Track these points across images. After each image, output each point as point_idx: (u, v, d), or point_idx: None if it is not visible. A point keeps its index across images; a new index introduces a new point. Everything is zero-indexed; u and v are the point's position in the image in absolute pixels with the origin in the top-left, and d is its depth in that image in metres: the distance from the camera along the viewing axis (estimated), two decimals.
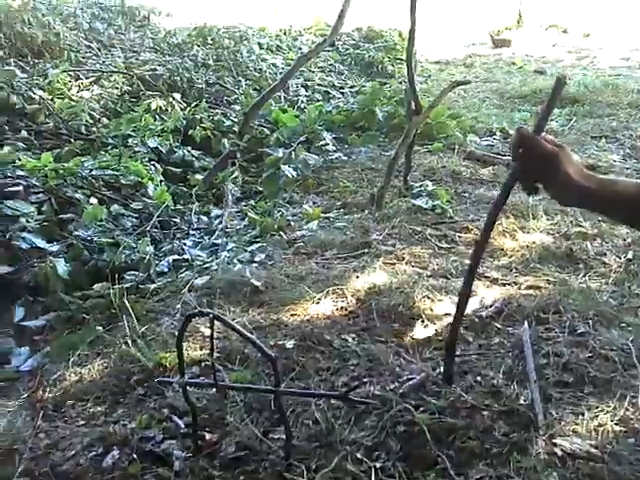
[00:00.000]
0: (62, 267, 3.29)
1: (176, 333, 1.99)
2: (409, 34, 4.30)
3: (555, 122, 6.48)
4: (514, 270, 3.25)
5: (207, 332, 2.57)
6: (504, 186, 1.25)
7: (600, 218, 3.89)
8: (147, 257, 3.43)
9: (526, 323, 2.66)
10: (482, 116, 6.75)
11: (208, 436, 2.05)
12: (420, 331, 2.64)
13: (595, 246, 3.58)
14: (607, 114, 6.83)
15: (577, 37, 12.87)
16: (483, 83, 8.84)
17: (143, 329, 2.71)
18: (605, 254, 3.44)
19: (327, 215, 4.13)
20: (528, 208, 3.99)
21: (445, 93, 5.03)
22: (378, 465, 1.91)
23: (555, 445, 1.96)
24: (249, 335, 1.77)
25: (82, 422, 2.19)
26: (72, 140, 5.03)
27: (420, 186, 4.39)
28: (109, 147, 4.97)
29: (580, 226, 3.80)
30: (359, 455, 1.95)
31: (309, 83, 7.77)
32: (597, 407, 2.15)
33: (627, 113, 6.92)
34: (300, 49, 9.25)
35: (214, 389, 2.16)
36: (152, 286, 3.23)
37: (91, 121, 5.42)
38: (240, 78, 7.11)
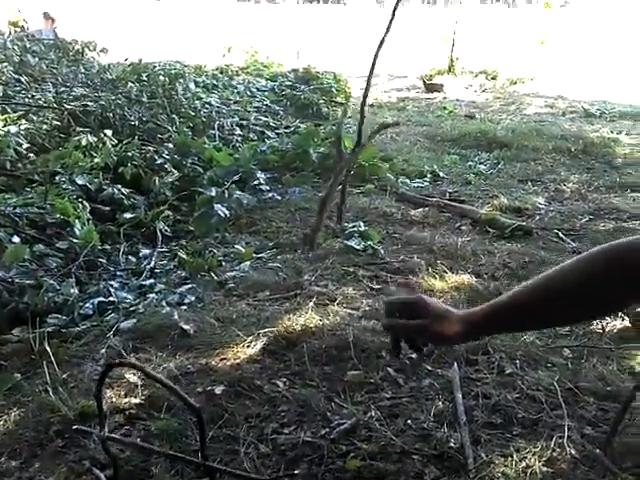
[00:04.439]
0: None
1: None
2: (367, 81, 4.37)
3: (483, 165, 6.68)
4: None
5: (132, 379, 2.49)
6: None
7: (527, 259, 4.00)
8: (71, 299, 3.31)
9: (455, 364, 2.68)
10: (413, 158, 6.88)
11: None
12: (351, 374, 2.62)
13: None
14: (533, 158, 7.08)
15: (505, 83, 13.41)
16: (415, 126, 9.04)
17: (65, 376, 2.60)
18: None
19: (260, 255, 4.08)
20: (457, 249, 4.07)
21: (374, 134, 5.12)
22: None
23: None
24: (172, 385, 1.70)
25: None
26: None
27: (352, 227, 4.41)
28: (35, 184, 4.80)
29: (507, 267, 3.90)
30: None
31: (244, 122, 7.76)
32: (525, 448, 2.18)
33: (552, 158, 7.18)
34: (236, 88, 9.29)
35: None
36: (75, 330, 3.11)
37: (17, 157, 5.23)
38: (174, 116, 7.05)
